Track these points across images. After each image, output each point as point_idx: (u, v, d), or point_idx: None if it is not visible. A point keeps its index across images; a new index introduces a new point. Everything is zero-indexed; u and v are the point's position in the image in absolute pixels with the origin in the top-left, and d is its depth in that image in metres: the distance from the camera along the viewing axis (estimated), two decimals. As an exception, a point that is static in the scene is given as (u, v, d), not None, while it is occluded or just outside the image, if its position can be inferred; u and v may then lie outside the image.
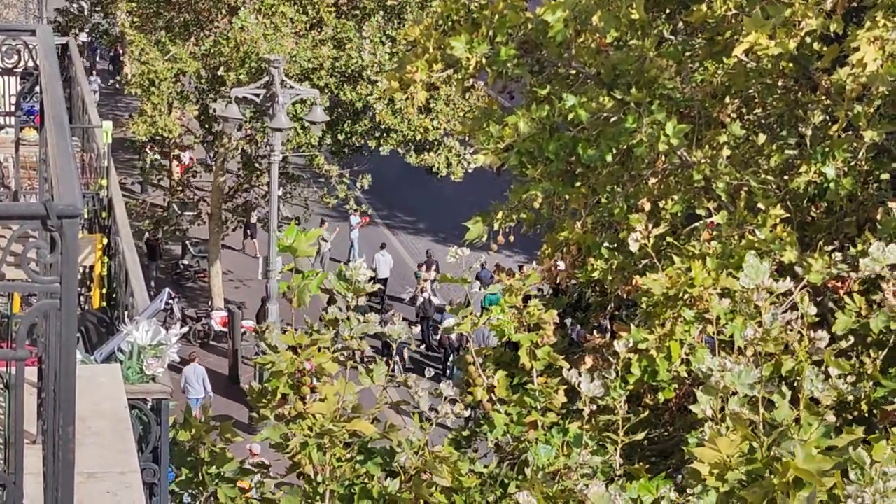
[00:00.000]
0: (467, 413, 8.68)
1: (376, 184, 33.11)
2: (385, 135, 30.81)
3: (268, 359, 8.17)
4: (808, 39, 10.96)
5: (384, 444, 8.44)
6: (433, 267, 34.43)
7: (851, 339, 8.45)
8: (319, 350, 8.14)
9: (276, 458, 8.61)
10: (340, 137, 31.03)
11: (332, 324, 8.20)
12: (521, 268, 29.56)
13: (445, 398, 8.13)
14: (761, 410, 7.00)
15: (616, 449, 8.17)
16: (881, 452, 6.69)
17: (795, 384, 7.84)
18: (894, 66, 10.25)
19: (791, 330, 7.97)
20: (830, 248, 11.06)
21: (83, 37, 46.89)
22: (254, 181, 32.64)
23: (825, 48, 10.99)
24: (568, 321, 13.43)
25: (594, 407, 8.07)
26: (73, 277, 4.60)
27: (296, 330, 8.32)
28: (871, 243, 10.45)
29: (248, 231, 37.60)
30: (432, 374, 8.62)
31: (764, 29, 10.43)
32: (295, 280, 8.20)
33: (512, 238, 12.09)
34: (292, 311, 8.14)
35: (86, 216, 14.45)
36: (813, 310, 7.85)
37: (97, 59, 52.98)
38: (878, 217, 10.94)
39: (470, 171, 30.55)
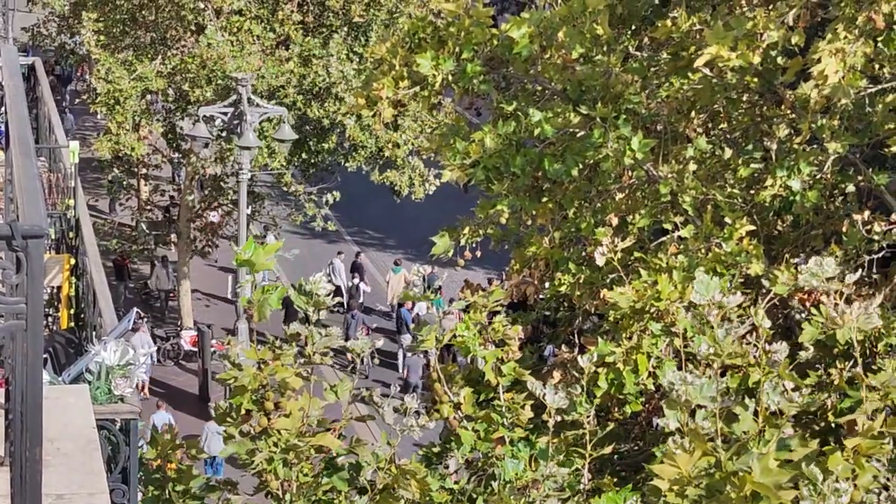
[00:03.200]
0: (433, 425, 8.69)
1: (344, 201, 33.13)
2: (353, 151, 30.82)
3: (231, 374, 8.16)
4: (772, 53, 11.04)
5: (351, 460, 8.43)
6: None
7: (813, 349, 8.51)
8: (282, 365, 8.13)
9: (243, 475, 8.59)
10: (305, 156, 31.03)
11: (294, 338, 8.19)
12: (490, 282, 29.83)
13: (410, 411, 8.14)
14: (718, 424, 7.04)
15: (584, 463, 8.19)
16: (836, 464, 6.75)
17: (758, 396, 7.89)
18: (855, 77, 10.33)
19: (748, 343, 8.03)
20: (797, 260, 11.13)
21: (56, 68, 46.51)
22: (221, 200, 32.59)
23: (789, 62, 11.07)
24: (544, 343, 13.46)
25: (559, 419, 8.09)
26: (38, 298, 4.60)
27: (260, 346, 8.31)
28: (837, 255, 10.55)
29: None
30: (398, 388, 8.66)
31: (725, 41, 10.50)
32: (255, 294, 8.18)
33: (479, 253, 12.12)
34: (254, 326, 8.12)
35: (53, 237, 14.42)
36: (768, 323, 7.90)
37: (67, 91, 50.20)
38: (844, 229, 11.02)
39: (433, 190, 30.72)
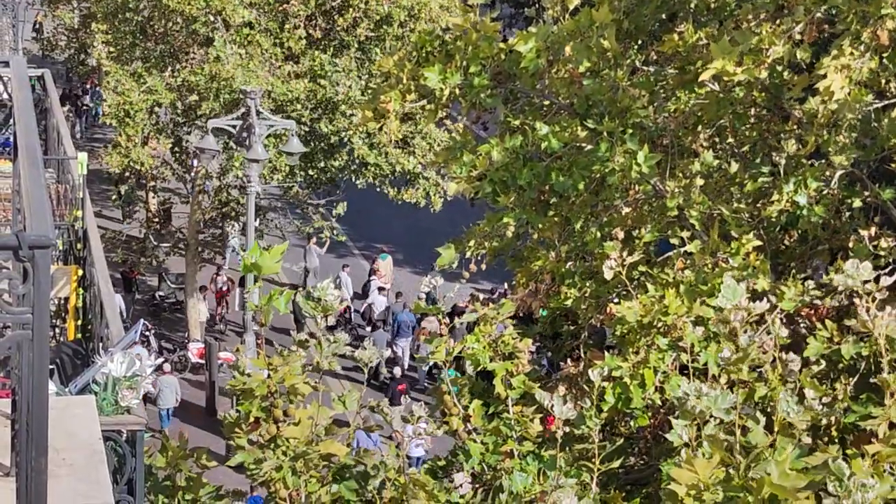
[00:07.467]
0: (440, 433, 8.70)
1: (353, 214, 33.09)
2: (362, 168, 30.81)
3: (239, 380, 8.18)
4: (779, 68, 11.05)
5: (360, 469, 8.45)
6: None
7: (823, 363, 8.51)
8: (291, 372, 8.16)
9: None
10: (312, 174, 31.02)
11: (302, 345, 8.21)
12: (499, 293, 29.73)
13: (418, 418, 8.16)
14: (738, 434, 7.05)
15: (592, 477, 8.19)
16: (859, 469, 6.74)
17: (769, 409, 7.89)
18: (861, 93, 10.34)
19: (764, 353, 8.03)
20: (803, 275, 11.12)
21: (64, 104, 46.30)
22: (229, 212, 32.62)
23: (796, 77, 11.07)
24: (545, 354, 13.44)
25: (566, 430, 8.09)
26: (45, 308, 4.61)
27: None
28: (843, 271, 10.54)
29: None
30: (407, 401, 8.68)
31: (730, 56, 10.51)
32: (263, 299, 8.19)
33: (484, 266, 12.12)
34: (261, 340, 8.16)
35: (60, 248, 14.43)
36: (784, 332, 7.90)
37: (84, 127, 49.08)
38: (851, 245, 11.01)
39: (449, 199, 30.64)
